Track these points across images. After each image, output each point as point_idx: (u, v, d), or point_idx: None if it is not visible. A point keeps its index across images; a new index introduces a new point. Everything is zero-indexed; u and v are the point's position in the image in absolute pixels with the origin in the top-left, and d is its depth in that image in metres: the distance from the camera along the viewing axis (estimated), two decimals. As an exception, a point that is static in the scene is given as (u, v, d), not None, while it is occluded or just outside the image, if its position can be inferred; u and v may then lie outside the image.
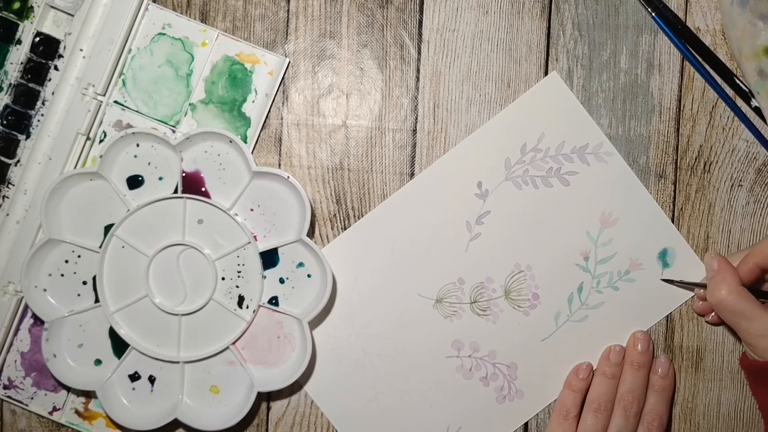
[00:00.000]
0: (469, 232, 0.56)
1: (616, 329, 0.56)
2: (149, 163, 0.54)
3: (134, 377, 0.55)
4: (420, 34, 0.56)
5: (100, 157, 0.53)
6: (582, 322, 0.56)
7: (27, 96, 0.55)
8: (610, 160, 0.56)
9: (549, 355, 0.56)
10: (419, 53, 0.56)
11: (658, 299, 0.56)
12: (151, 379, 0.55)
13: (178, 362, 0.54)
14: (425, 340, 0.56)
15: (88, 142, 0.55)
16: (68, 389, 0.56)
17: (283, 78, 0.56)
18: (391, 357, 0.56)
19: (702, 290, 0.54)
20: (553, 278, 0.56)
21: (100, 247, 0.54)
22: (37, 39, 0.55)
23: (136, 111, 0.55)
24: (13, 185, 0.55)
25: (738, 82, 0.56)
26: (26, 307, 0.56)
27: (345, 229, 0.56)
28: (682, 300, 0.56)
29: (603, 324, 0.56)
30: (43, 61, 0.55)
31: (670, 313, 0.57)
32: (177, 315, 0.54)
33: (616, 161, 0.56)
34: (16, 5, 0.54)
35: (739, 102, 0.56)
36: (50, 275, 0.54)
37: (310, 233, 0.56)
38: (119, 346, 0.55)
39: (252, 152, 0.55)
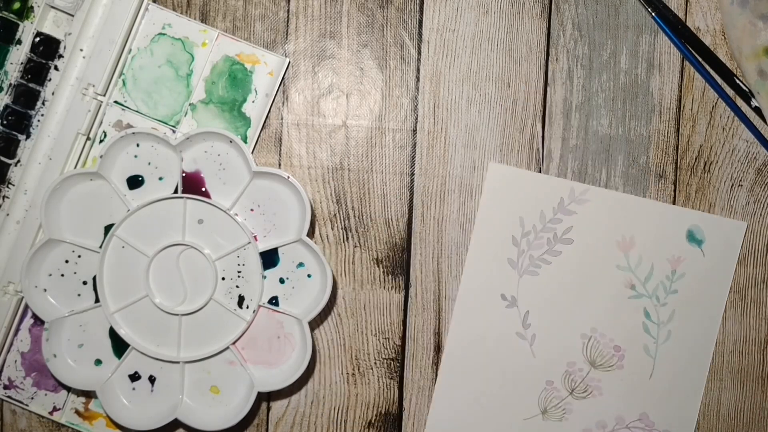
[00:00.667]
0: (525, 340, 0.56)
1: (698, 325, 0.56)
2: (149, 163, 0.54)
3: (134, 377, 0.55)
4: (420, 34, 0.56)
5: (100, 157, 0.53)
6: (670, 339, 0.56)
7: (27, 96, 0.55)
8: (590, 196, 0.56)
9: (664, 385, 0.56)
10: (419, 53, 0.56)
11: (716, 272, 0.56)
12: (151, 379, 0.55)
13: (178, 362, 0.54)
14: None
15: (88, 142, 0.55)
16: (68, 389, 0.56)
17: (283, 78, 0.56)
18: None
19: None
20: (620, 323, 0.56)
21: (100, 247, 0.54)
22: (37, 39, 0.55)
23: (136, 111, 0.55)
24: (13, 185, 0.55)
25: (738, 82, 0.56)
26: (26, 307, 0.56)
27: (345, 229, 0.56)
28: (735, 257, 0.56)
29: (686, 327, 0.56)
30: (43, 61, 0.55)
31: (670, 313, 0.57)
32: (177, 315, 0.54)
33: (595, 193, 0.56)
34: (16, 5, 0.54)
35: (739, 102, 0.56)
36: (50, 275, 0.54)
37: (310, 233, 0.56)
38: (119, 346, 0.55)
39: (252, 152, 0.55)
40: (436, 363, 0.57)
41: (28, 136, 0.55)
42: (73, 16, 0.55)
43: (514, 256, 0.56)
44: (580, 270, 0.56)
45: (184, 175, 0.54)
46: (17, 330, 0.56)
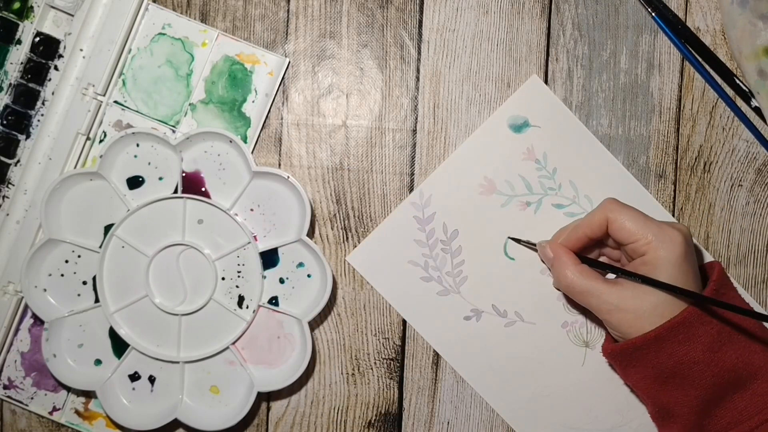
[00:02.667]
0: (518, 319, 0.56)
1: (600, 170, 0.56)
2: (149, 163, 0.54)
3: (134, 377, 0.55)
4: (420, 34, 0.56)
5: (100, 157, 0.53)
6: (593, 201, 0.56)
7: (27, 96, 0.55)
8: (429, 190, 0.56)
9: None
10: (419, 53, 0.56)
11: (558, 125, 0.56)
12: (151, 379, 0.55)
13: (178, 362, 0.54)
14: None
15: (88, 142, 0.55)
16: (68, 389, 0.56)
17: (283, 78, 0.56)
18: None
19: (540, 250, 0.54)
20: (547, 232, 0.55)
21: (100, 247, 0.54)
22: (37, 39, 0.55)
23: (136, 111, 0.55)
24: (13, 185, 0.55)
25: (738, 82, 0.56)
26: (26, 307, 0.56)
27: (345, 229, 0.56)
28: (553, 98, 0.56)
29: (590, 179, 0.56)
30: (43, 61, 0.55)
31: (670, 313, 0.57)
32: (177, 315, 0.54)
33: (429, 185, 0.56)
34: (16, 5, 0.54)
35: (739, 102, 0.56)
36: (50, 275, 0.54)
37: (310, 233, 0.56)
38: (119, 346, 0.55)
39: (252, 152, 0.55)
40: (436, 363, 0.57)
41: (28, 136, 0.55)
42: (73, 16, 0.55)
43: (438, 287, 0.56)
44: (485, 239, 0.56)
45: (184, 175, 0.54)
46: (17, 330, 0.56)
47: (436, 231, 0.56)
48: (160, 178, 0.54)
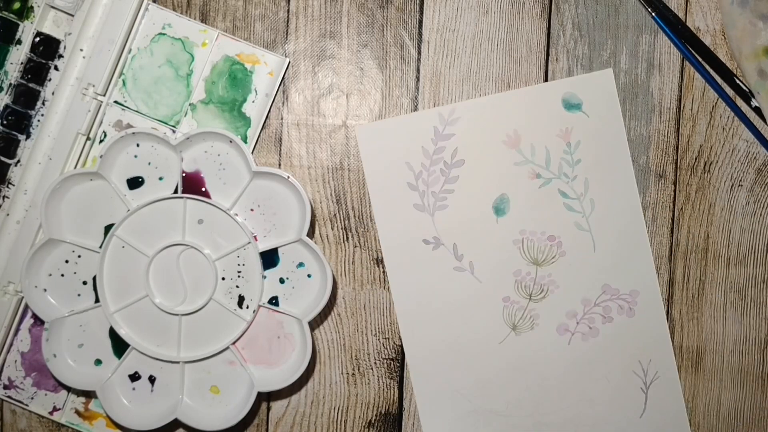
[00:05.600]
0: (465, 270, 0.56)
1: (615, 181, 0.56)
2: (149, 163, 0.54)
3: (134, 377, 0.55)
4: (420, 34, 0.56)
5: (100, 157, 0.53)
6: (596, 207, 0.56)
7: (27, 96, 0.55)
8: (460, 113, 0.56)
9: (609, 250, 0.56)
10: (419, 53, 0.56)
11: (607, 125, 0.56)
12: (151, 379, 0.55)
13: (178, 362, 0.54)
14: (544, 357, 0.56)
15: (88, 142, 0.55)
16: (68, 389, 0.56)
17: (283, 78, 0.56)
18: (545, 394, 0.56)
19: None
20: (543, 214, 0.56)
21: (100, 247, 0.54)
22: (37, 39, 0.55)
23: (136, 111, 0.55)
24: (13, 185, 0.55)
25: (738, 82, 0.56)
26: (26, 307, 0.56)
27: (345, 229, 0.56)
28: (616, 103, 0.56)
29: (605, 189, 0.56)
30: (43, 61, 0.55)
31: (670, 313, 0.57)
32: (177, 315, 0.54)
33: (463, 108, 0.55)
34: (16, 5, 0.54)
35: (739, 102, 0.56)
36: (50, 275, 0.54)
37: (310, 233, 0.56)
38: (119, 346, 0.55)
39: (252, 152, 0.55)
40: (436, 363, 0.57)
41: (28, 136, 0.55)
42: (73, 16, 0.55)
43: (417, 200, 0.56)
44: (483, 184, 0.56)
45: (184, 175, 0.54)
46: (17, 330, 0.56)
47: (445, 150, 0.56)
48: (160, 178, 0.54)
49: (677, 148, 0.57)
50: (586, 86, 0.56)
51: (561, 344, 0.56)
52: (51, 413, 0.56)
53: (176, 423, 0.54)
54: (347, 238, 0.57)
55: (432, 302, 0.56)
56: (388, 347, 0.57)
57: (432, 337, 0.56)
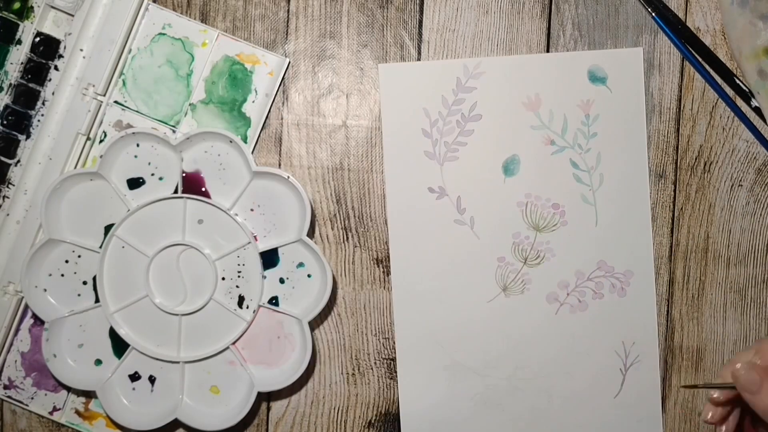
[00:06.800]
0: (466, 224, 0.56)
1: (626, 159, 0.56)
2: (149, 163, 0.54)
3: (134, 377, 0.55)
4: (420, 34, 0.56)
5: (100, 157, 0.53)
6: (604, 182, 0.56)
7: (27, 96, 0.55)
8: (485, 68, 0.55)
9: (612, 228, 0.56)
10: (419, 53, 0.56)
11: (628, 103, 0.56)
12: (151, 379, 0.55)
13: (178, 362, 0.54)
14: (529, 323, 0.56)
15: (88, 142, 0.55)
16: (68, 389, 0.56)
17: (283, 78, 0.56)
18: (524, 358, 0.56)
19: (720, 395, 0.45)
20: (551, 181, 0.56)
21: (100, 247, 0.54)
22: (38, 39, 0.55)
23: (136, 111, 0.55)
24: (13, 185, 0.55)
25: (738, 82, 0.56)
26: (26, 307, 0.56)
27: (345, 229, 0.56)
28: (641, 84, 0.56)
29: (616, 167, 0.56)
30: (43, 61, 0.55)
31: (670, 313, 0.57)
32: (177, 315, 0.54)
33: (489, 63, 0.55)
34: (16, 5, 0.54)
35: (739, 102, 0.56)
36: (50, 275, 0.54)
37: (310, 233, 0.56)
38: (119, 346, 0.55)
39: (252, 152, 0.55)
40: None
41: (28, 136, 0.55)
42: (73, 16, 0.55)
43: (429, 147, 0.56)
44: (497, 141, 0.56)
45: (184, 175, 0.54)
46: (17, 330, 0.56)
47: (464, 103, 0.55)
48: (161, 178, 0.54)
49: (677, 148, 0.57)
50: (614, 61, 0.56)
51: (548, 313, 0.56)
52: (51, 413, 0.56)
53: (176, 423, 0.54)
54: (347, 238, 0.57)
55: (428, 251, 0.56)
56: (388, 347, 0.57)
57: (422, 286, 0.56)
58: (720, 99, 0.56)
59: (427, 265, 0.56)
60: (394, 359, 0.57)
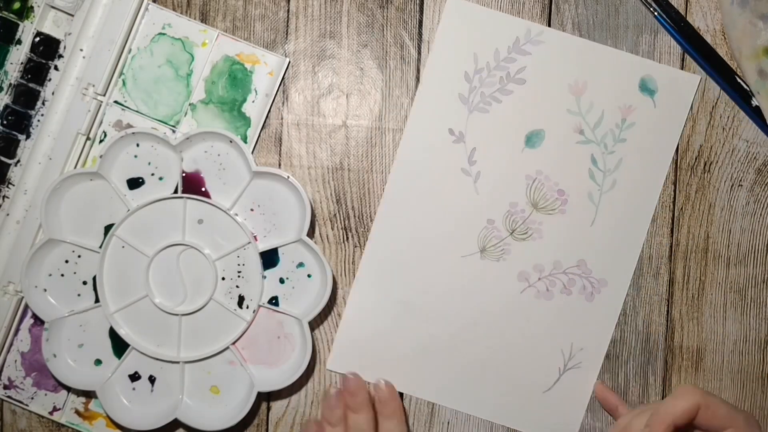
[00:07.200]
0: (470, 176, 0.56)
1: (644, 176, 0.56)
2: (149, 163, 0.54)
3: (134, 377, 0.55)
4: (420, 34, 0.56)
5: (100, 157, 0.53)
6: (615, 188, 0.56)
7: (27, 96, 0.55)
8: (546, 38, 0.55)
9: (605, 233, 0.56)
10: (419, 53, 0.56)
11: (666, 124, 0.56)
12: (151, 379, 0.55)
13: (178, 362, 0.54)
14: (493, 290, 0.56)
15: (88, 142, 0.55)
16: (68, 389, 0.56)
17: (283, 78, 0.56)
18: (474, 323, 0.56)
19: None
20: (566, 168, 0.56)
21: (100, 247, 0.54)
22: (37, 39, 0.55)
23: (136, 111, 0.55)
24: (13, 185, 0.55)
25: (739, 80, 0.56)
26: (26, 307, 0.56)
27: (345, 229, 0.56)
28: (685, 111, 0.56)
29: (631, 177, 0.56)
30: (43, 61, 0.55)
31: (670, 313, 0.57)
32: (177, 315, 0.54)
33: (551, 35, 0.55)
34: (16, 5, 0.54)
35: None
36: (50, 275, 0.54)
37: (310, 233, 0.56)
38: (119, 346, 0.55)
39: (252, 152, 0.55)
40: (436, 363, 0.57)
41: (28, 136, 0.55)
42: (73, 16, 0.55)
43: (465, 91, 0.55)
44: (531, 111, 0.56)
45: (184, 175, 0.54)
46: (17, 330, 0.56)
47: (514, 63, 0.55)
48: (160, 178, 0.54)
49: (677, 148, 0.57)
50: (669, 78, 0.56)
51: (514, 289, 0.56)
52: (51, 413, 0.56)
53: (176, 423, 0.54)
54: (347, 238, 0.57)
55: (424, 185, 0.56)
56: (388, 347, 0.57)
57: (407, 220, 0.56)
58: (720, 99, 0.56)
59: (418, 198, 0.56)
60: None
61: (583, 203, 0.56)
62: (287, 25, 0.56)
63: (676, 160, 0.57)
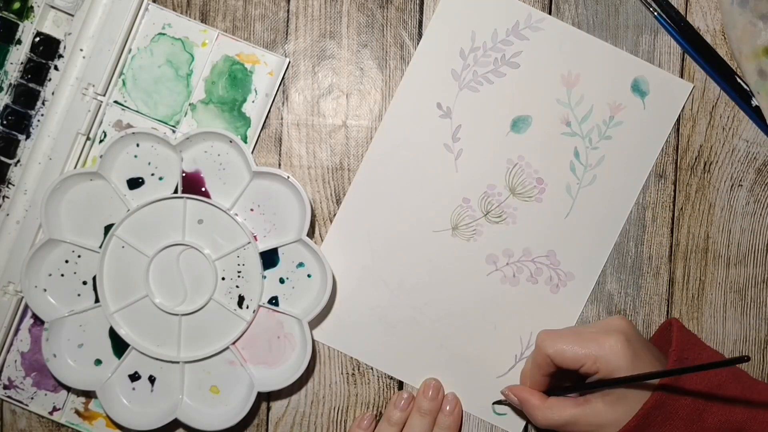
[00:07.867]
0: (452, 153, 0.56)
1: (625, 176, 0.56)
2: (149, 163, 0.54)
3: (134, 377, 0.55)
4: (420, 34, 0.56)
5: (100, 157, 0.53)
6: (593, 183, 0.56)
7: (27, 96, 0.55)
8: (546, 26, 0.56)
9: (578, 228, 0.56)
10: (419, 53, 0.56)
11: (653, 128, 0.56)
12: (151, 379, 0.55)
13: (178, 362, 0.54)
14: (460, 269, 0.56)
15: (88, 142, 0.55)
16: (68, 389, 0.56)
17: (283, 78, 0.56)
18: (437, 299, 0.56)
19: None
20: (548, 157, 0.56)
21: (100, 247, 0.54)
22: (37, 39, 0.55)
23: (136, 111, 0.55)
24: (13, 185, 0.55)
25: (739, 81, 0.56)
26: (26, 307, 0.56)
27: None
28: (674, 117, 0.56)
29: (612, 176, 0.56)
30: (43, 61, 0.55)
31: (670, 313, 0.57)
32: (177, 315, 0.54)
33: (551, 23, 0.56)
34: (16, 5, 0.54)
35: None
36: (50, 275, 0.54)
37: (310, 233, 0.56)
38: (119, 346, 0.55)
39: (252, 152, 0.55)
40: (436, 363, 0.57)
41: (28, 136, 0.55)
42: (73, 16, 0.55)
43: (458, 68, 0.56)
44: (520, 96, 0.56)
45: (184, 175, 0.54)
46: (17, 330, 0.56)
47: (510, 46, 0.55)
48: (160, 178, 0.54)
49: (677, 148, 0.57)
50: (661, 83, 0.56)
51: (481, 271, 0.56)
52: (51, 413, 0.56)
53: (176, 423, 0.54)
54: (347, 238, 0.57)
55: (406, 155, 0.56)
56: (388, 347, 0.57)
57: (384, 183, 0.56)
58: (720, 99, 0.56)
59: (399, 172, 0.56)
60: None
61: (561, 195, 0.56)
62: (287, 25, 0.56)
63: (676, 159, 0.57)
